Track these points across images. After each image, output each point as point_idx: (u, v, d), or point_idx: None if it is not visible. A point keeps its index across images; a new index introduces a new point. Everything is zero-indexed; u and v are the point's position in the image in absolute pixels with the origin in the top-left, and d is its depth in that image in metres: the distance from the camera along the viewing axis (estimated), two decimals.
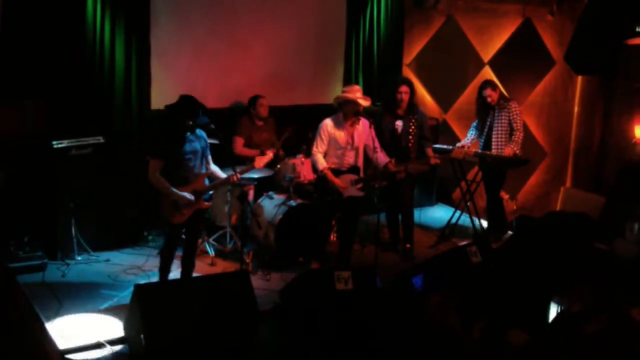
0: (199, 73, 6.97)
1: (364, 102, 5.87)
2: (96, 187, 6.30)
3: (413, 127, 6.34)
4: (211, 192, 5.58)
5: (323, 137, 5.92)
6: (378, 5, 7.83)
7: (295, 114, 7.30)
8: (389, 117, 6.43)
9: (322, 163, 5.92)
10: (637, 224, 6.98)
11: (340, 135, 5.92)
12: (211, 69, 7.05)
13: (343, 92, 5.94)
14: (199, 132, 5.30)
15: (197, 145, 5.24)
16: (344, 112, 5.91)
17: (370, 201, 6.22)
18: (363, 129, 5.99)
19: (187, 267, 5.50)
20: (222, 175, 5.46)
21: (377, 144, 5.98)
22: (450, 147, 7.06)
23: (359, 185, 5.98)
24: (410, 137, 6.35)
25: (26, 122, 6.21)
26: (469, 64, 8.77)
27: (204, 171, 5.34)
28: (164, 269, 5.42)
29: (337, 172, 5.96)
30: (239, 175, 5.42)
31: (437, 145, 7.02)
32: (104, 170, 6.35)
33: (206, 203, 5.40)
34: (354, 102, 5.82)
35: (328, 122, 5.95)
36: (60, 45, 6.15)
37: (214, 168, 5.49)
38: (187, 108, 5.13)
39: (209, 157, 5.42)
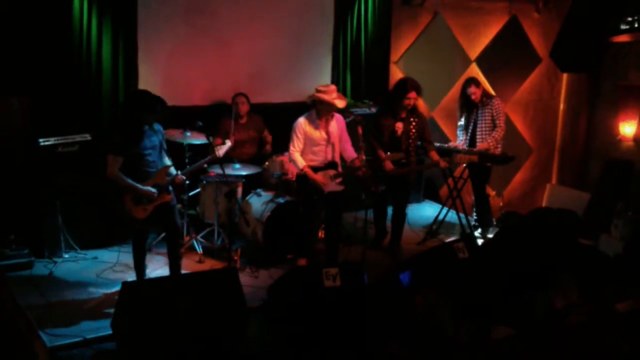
0: (186, 71, 6.96)
1: (340, 104, 5.85)
2: (83, 184, 6.25)
3: (414, 130, 6.34)
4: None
5: (299, 135, 5.91)
6: (366, 3, 7.84)
7: (282, 111, 7.30)
8: (389, 119, 6.38)
9: (300, 161, 5.94)
10: (621, 220, 7.07)
11: (316, 132, 5.93)
12: (198, 67, 7.03)
13: (318, 91, 5.85)
14: (157, 126, 5.32)
15: (156, 140, 5.27)
16: (318, 110, 5.90)
17: (357, 198, 6.24)
18: (337, 124, 6.01)
19: (174, 262, 5.53)
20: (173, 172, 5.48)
21: (345, 137, 6.06)
22: (447, 145, 7.11)
23: (339, 180, 6.02)
24: (410, 140, 6.35)
25: (12, 120, 6.17)
26: (456, 62, 8.81)
27: (163, 164, 5.38)
28: (138, 267, 5.49)
29: (315, 168, 5.99)
30: (182, 177, 5.44)
31: (436, 144, 7.01)
32: (91, 167, 6.31)
33: (169, 195, 5.39)
34: (329, 104, 5.81)
35: (302, 121, 5.94)
36: (47, 42, 6.12)
37: (167, 162, 5.49)
38: (142, 102, 5.13)
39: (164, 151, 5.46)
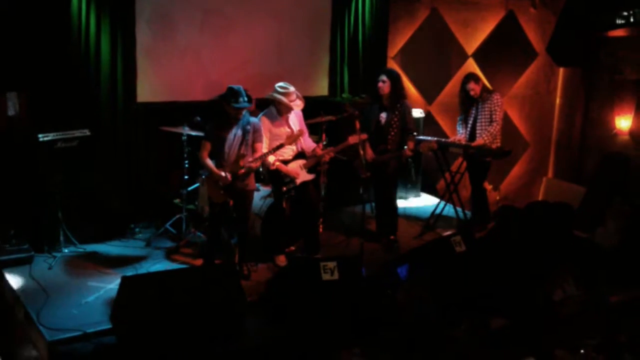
0: (185, 67, 6.97)
1: (298, 108, 6.03)
2: (82, 179, 6.29)
3: (396, 119, 6.42)
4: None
5: (264, 132, 5.95)
6: None
7: None
8: (375, 109, 6.54)
9: (270, 157, 5.99)
10: (617, 213, 7.11)
11: (279, 128, 6.00)
12: (197, 62, 7.04)
13: (278, 92, 5.90)
14: (250, 118, 5.61)
15: (240, 131, 5.56)
16: (278, 108, 6.00)
17: (355, 192, 6.29)
18: (296, 116, 6.12)
19: (243, 252, 5.83)
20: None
21: (304, 128, 6.19)
22: (429, 138, 7.15)
23: (309, 166, 6.15)
24: (390, 129, 6.43)
25: (10, 115, 6.20)
26: (453, 56, 8.83)
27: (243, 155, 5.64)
28: (208, 252, 5.82)
29: (285, 162, 6.07)
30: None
31: (419, 137, 7.09)
32: (90, 163, 6.36)
33: (246, 184, 5.68)
34: (288, 107, 5.94)
35: (264, 119, 5.97)
36: (46, 39, 6.12)
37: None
38: (225, 95, 5.49)
39: (258, 144, 5.68)
